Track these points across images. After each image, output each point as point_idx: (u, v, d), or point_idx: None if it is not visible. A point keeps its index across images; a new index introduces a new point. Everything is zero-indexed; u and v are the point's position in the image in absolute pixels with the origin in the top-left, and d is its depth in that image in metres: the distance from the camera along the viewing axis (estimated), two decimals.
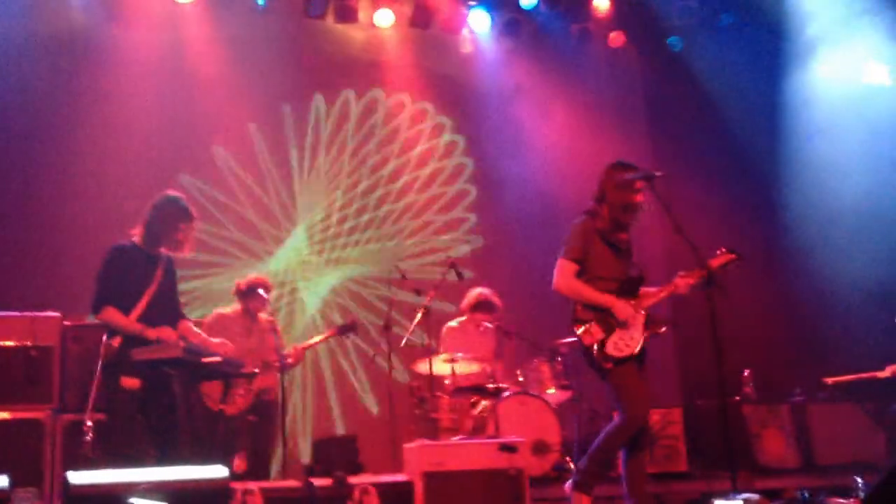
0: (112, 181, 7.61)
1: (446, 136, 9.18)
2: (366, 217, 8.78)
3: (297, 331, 8.24)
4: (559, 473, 6.45)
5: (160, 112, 7.90)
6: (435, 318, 7.08)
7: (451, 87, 9.19)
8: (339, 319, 8.24)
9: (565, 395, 7.03)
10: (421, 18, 8.77)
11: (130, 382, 4.79)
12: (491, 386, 6.79)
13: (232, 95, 8.23)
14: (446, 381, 6.82)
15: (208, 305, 7.35)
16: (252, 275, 6.76)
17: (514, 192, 9.03)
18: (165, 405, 4.94)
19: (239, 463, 6.16)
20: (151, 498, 3.65)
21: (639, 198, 5.01)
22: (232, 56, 8.29)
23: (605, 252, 5.00)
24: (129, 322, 4.88)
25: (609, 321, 4.93)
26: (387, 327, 7.03)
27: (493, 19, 8.97)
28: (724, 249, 5.12)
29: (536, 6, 8.85)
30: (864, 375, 7.16)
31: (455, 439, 6.31)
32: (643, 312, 4.98)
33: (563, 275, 4.98)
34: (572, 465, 6.34)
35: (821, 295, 8.00)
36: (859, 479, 5.67)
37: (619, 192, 4.98)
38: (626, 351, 4.89)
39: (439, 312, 7.56)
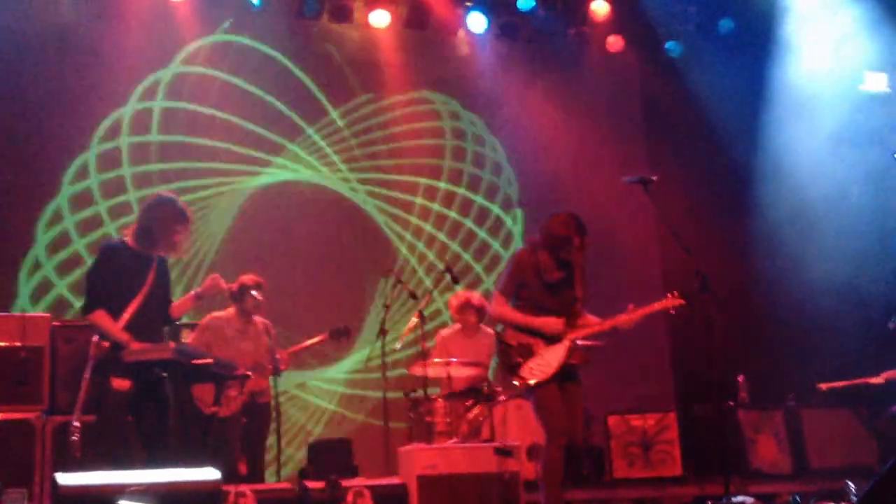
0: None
1: (449, 141, 9.14)
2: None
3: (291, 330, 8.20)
4: None
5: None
6: (431, 323, 7.05)
7: (446, 89, 9.15)
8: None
9: None
10: (417, 19, 8.74)
11: (121, 383, 4.72)
12: (486, 389, 6.76)
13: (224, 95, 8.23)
14: (441, 385, 6.79)
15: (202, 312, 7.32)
16: (244, 276, 6.67)
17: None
18: (156, 407, 4.86)
19: (241, 467, 6.12)
20: (142, 500, 3.61)
21: (574, 256, 5.06)
22: (226, 56, 8.27)
23: (538, 285, 5.09)
24: (117, 330, 4.79)
25: (531, 347, 5.02)
26: (382, 331, 6.98)
27: (489, 22, 8.93)
28: (675, 293, 5.13)
29: (534, 8, 8.83)
30: (857, 381, 7.18)
31: (450, 443, 6.27)
32: (569, 342, 5.03)
33: (495, 302, 5.21)
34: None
35: (811, 299, 7.99)
36: (851, 484, 5.68)
37: (556, 247, 5.05)
38: (539, 376, 4.97)
39: (436, 315, 7.55)
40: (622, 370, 8.07)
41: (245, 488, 5.27)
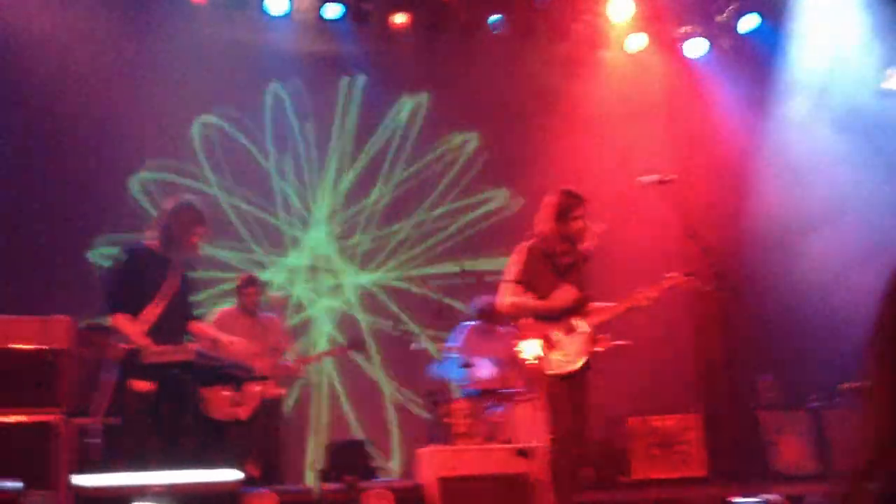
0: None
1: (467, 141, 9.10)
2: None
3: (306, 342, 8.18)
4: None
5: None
6: (448, 323, 7.02)
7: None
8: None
9: None
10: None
11: (141, 385, 4.75)
12: (506, 390, 6.72)
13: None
14: (460, 386, 6.76)
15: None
16: (244, 273, 6.83)
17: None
18: (176, 408, 4.88)
19: (251, 468, 6.12)
20: (162, 501, 3.61)
21: (578, 225, 5.00)
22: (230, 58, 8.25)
23: (546, 272, 5.01)
24: (138, 335, 4.82)
25: (551, 339, 4.93)
26: (398, 329, 6.98)
27: None
28: (677, 273, 5.07)
29: None
30: None
31: (470, 444, 6.23)
32: (587, 330, 4.96)
33: (508, 294, 5.03)
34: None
35: (834, 299, 7.90)
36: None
37: (558, 222, 4.98)
38: (566, 368, 4.89)
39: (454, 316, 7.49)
40: (645, 371, 8.00)
41: (265, 490, 5.27)
